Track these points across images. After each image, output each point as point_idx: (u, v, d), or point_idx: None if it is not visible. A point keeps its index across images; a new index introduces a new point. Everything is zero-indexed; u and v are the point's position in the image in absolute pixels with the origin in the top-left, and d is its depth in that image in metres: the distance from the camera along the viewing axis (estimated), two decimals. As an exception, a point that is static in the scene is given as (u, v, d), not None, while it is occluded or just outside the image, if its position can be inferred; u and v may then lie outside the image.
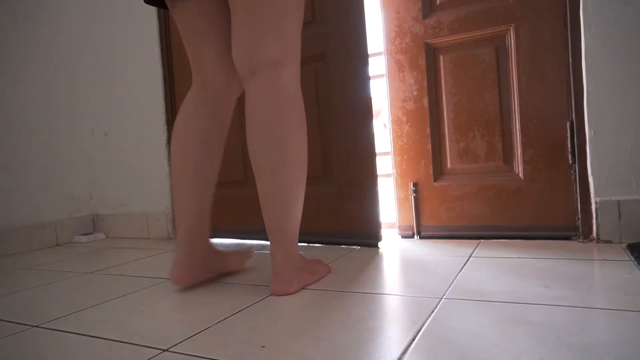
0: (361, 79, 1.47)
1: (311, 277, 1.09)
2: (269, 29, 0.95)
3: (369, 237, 1.48)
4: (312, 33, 1.54)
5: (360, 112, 1.47)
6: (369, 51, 1.45)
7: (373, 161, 1.46)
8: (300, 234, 1.45)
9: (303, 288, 1.04)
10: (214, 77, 1.08)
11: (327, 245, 1.56)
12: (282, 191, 0.97)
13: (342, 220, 1.53)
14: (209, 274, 1.15)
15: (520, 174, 1.41)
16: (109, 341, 0.81)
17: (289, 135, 0.96)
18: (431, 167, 1.53)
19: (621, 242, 1.25)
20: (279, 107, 0.95)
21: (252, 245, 1.67)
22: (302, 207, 1.03)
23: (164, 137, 2.04)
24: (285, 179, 0.96)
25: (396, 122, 1.58)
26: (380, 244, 1.47)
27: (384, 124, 2.33)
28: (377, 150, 1.47)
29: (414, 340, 0.71)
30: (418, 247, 1.42)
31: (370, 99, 1.46)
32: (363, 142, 1.47)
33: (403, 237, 1.59)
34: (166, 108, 2.03)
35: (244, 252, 1.24)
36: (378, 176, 1.48)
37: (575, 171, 1.33)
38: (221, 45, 1.07)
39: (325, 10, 1.52)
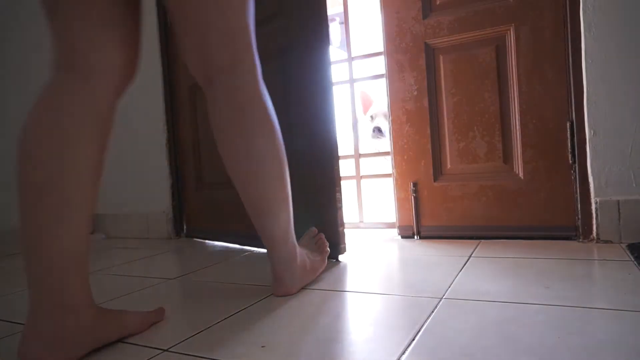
0: (322, 81, 1.32)
1: (312, 274, 1.07)
2: (216, 27, 0.84)
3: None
4: (278, 27, 1.42)
5: (322, 113, 1.33)
6: (370, 51, 1.45)
7: (333, 167, 1.32)
8: (254, 239, 1.36)
9: (305, 287, 1.04)
10: (92, 59, 0.78)
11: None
12: (261, 200, 0.92)
13: (301, 229, 1.36)
14: (91, 347, 0.75)
15: (520, 174, 1.41)
16: (109, 341, 0.80)
17: (257, 142, 0.88)
18: (431, 167, 1.53)
19: (621, 242, 1.25)
20: (241, 113, 0.87)
21: (233, 251, 1.66)
22: (289, 206, 0.97)
23: (163, 137, 2.03)
24: (261, 188, 0.91)
25: (396, 122, 1.58)
26: (341, 257, 1.34)
27: (371, 116, 2.29)
28: (370, 149, 1.45)
29: (414, 340, 0.71)
30: (418, 247, 1.42)
31: (332, 101, 1.32)
32: (324, 145, 1.33)
33: (403, 237, 1.59)
34: (166, 108, 2.03)
35: (151, 313, 0.88)
36: (342, 179, 1.35)
37: (575, 171, 1.33)
38: (103, 20, 0.79)
39: (288, 3, 1.39)
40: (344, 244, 1.36)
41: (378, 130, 2.24)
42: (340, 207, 1.35)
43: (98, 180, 0.78)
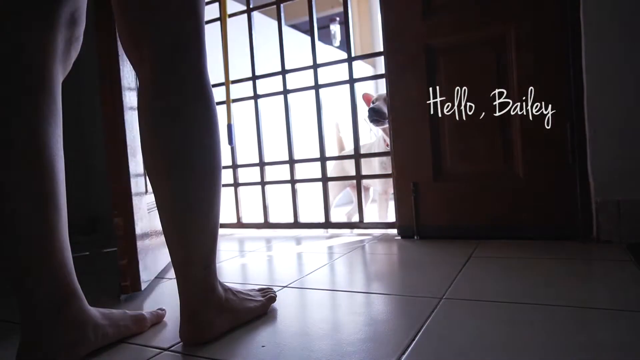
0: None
1: (241, 315, 0.83)
2: (166, 4, 0.72)
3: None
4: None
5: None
6: (372, 50, 1.44)
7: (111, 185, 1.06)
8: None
9: (232, 329, 0.80)
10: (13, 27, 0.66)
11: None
12: (189, 203, 0.73)
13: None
14: (91, 348, 0.73)
15: (521, 174, 1.41)
16: (109, 341, 0.80)
17: (193, 132, 0.74)
18: (431, 167, 1.53)
19: (621, 242, 1.25)
20: (179, 99, 0.73)
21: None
22: (218, 221, 0.78)
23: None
24: (194, 184, 0.74)
25: (396, 122, 1.58)
26: (124, 297, 1.06)
27: (365, 119, 2.23)
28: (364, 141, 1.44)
29: (414, 340, 0.71)
30: (418, 247, 1.42)
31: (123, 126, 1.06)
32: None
33: (403, 237, 1.59)
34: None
35: (152, 314, 0.88)
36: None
37: (575, 171, 1.33)
38: None
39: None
40: (128, 281, 1.06)
41: (373, 112, 2.02)
42: (122, 237, 1.06)
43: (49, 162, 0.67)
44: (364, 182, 2.08)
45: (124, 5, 0.74)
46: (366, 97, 2.15)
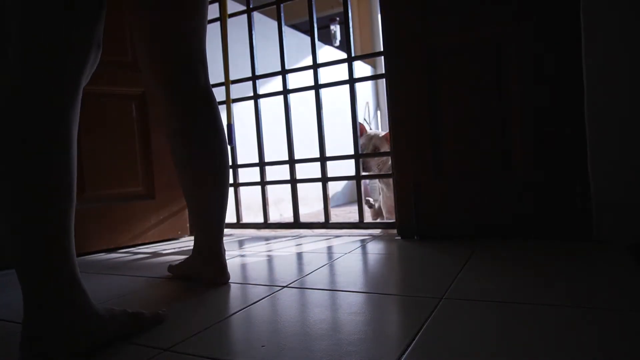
0: None
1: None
2: (186, 28, 0.97)
3: None
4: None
5: None
6: (372, 50, 1.44)
7: None
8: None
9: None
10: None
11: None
12: (223, 193, 1.08)
13: None
14: (91, 347, 0.74)
15: (521, 174, 1.41)
16: (109, 341, 0.80)
17: (217, 134, 1.03)
18: (431, 167, 1.53)
19: (621, 242, 1.25)
20: (198, 110, 1.01)
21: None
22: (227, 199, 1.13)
23: (164, 137, 2.03)
24: (225, 182, 1.07)
25: (396, 122, 1.58)
26: None
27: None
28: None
29: (414, 340, 0.71)
30: (418, 248, 1.42)
31: None
32: None
33: (403, 237, 1.59)
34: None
35: (153, 314, 0.87)
36: None
37: (575, 171, 1.33)
38: None
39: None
40: None
41: (362, 167, 2.28)
42: None
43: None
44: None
45: (139, 33, 0.95)
46: (361, 127, 2.27)
